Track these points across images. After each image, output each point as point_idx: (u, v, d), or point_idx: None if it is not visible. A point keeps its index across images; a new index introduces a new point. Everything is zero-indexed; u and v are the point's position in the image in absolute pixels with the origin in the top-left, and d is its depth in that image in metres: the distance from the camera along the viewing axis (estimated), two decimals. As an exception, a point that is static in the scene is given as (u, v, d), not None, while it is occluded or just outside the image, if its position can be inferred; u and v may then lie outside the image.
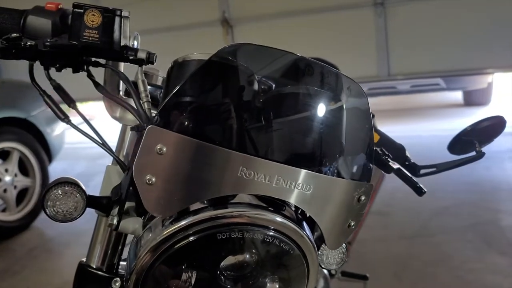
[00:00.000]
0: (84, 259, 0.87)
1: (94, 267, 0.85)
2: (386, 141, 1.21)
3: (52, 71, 0.80)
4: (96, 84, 0.82)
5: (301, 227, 0.72)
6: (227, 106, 0.69)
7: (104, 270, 0.85)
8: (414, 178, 1.11)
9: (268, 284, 0.72)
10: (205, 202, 0.70)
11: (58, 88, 0.81)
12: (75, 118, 0.85)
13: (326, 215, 0.73)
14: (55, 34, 0.78)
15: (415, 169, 1.19)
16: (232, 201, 0.71)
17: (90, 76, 0.83)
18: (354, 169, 0.76)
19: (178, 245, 0.67)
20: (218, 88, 0.72)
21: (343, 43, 4.62)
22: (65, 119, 0.80)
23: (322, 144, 0.73)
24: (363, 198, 0.75)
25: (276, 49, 0.71)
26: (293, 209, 0.76)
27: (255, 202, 0.72)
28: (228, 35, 4.93)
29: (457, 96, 6.52)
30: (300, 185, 0.69)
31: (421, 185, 1.10)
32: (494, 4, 4.33)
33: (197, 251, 0.68)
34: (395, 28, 4.61)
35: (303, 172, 0.69)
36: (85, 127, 0.82)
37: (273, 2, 4.81)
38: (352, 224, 0.76)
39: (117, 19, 0.75)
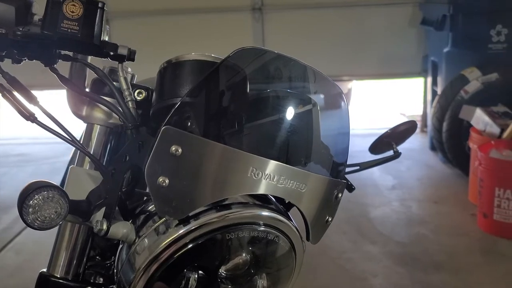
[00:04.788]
0: (45, 269, 0.80)
1: (59, 276, 0.78)
2: None
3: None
4: (64, 79, 0.76)
5: (290, 221, 0.76)
6: (240, 108, 0.70)
7: (70, 279, 0.79)
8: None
9: (260, 279, 0.75)
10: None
11: (15, 82, 0.73)
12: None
13: (313, 211, 0.77)
14: (19, 22, 0.71)
15: None
16: (225, 203, 0.71)
17: (54, 69, 0.77)
18: (335, 167, 0.82)
19: (181, 251, 0.66)
20: (232, 91, 0.71)
21: (223, 45, 4.70)
22: (31, 117, 0.72)
23: (315, 144, 0.77)
24: (340, 195, 0.81)
25: (283, 55, 0.73)
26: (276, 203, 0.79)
27: (246, 200, 0.74)
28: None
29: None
30: (298, 183, 0.72)
31: (351, 182, 1.20)
32: (355, 20, 4.81)
33: (201, 256, 0.68)
34: (271, 33, 4.85)
35: (301, 171, 0.73)
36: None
37: (153, -1, 4.72)
38: (329, 219, 0.82)
39: (99, 11, 0.71)
